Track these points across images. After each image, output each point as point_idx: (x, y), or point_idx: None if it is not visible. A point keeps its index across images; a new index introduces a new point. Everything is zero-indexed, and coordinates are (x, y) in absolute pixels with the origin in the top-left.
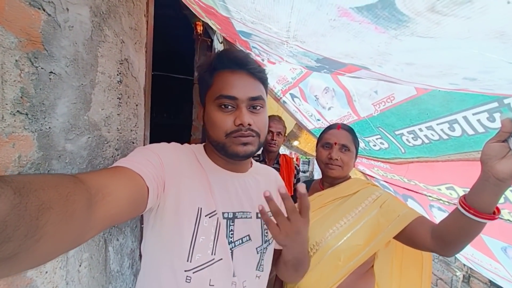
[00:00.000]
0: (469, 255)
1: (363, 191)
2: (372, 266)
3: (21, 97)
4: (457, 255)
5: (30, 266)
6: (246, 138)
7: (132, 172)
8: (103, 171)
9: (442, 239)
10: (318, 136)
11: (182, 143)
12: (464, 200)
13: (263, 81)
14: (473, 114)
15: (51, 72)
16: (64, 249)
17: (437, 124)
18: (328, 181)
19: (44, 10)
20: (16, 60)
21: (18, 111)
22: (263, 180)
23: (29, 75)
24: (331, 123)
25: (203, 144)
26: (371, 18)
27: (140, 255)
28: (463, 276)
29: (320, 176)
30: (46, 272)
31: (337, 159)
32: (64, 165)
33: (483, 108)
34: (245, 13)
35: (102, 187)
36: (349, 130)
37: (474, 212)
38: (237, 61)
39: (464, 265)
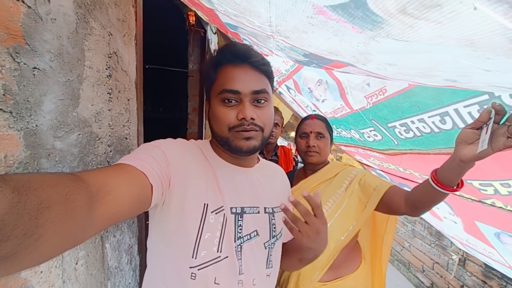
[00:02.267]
0: (464, 240)
1: (342, 172)
2: (357, 240)
3: (4, 95)
4: (452, 240)
5: (29, 265)
6: (248, 132)
7: (135, 170)
8: (105, 169)
9: (413, 204)
10: None
11: (179, 138)
12: (435, 174)
13: (268, 74)
14: (464, 107)
15: (34, 68)
16: (64, 248)
17: (429, 117)
18: (310, 168)
19: (23, 2)
20: None
21: (1, 109)
22: (270, 176)
23: (10, 71)
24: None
25: (209, 139)
26: (347, 17)
27: (139, 251)
28: (459, 259)
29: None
30: (41, 272)
31: (314, 146)
32: (54, 163)
33: (474, 101)
34: (227, 6)
35: (103, 186)
36: (322, 119)
37: (440, 185)
38: (240, 55)
39: (460, 249)
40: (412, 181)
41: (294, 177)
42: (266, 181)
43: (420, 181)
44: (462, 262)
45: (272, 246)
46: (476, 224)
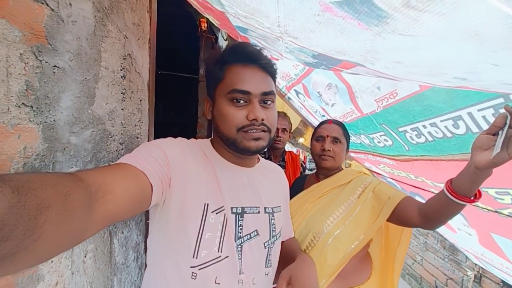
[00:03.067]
0: (479, 254)
1: (356, 180)
2: (368, 251)
3: (26, 90)
4: (467, 254)
5: (29, 265)
6: (258, 133)
7: (135, 169)
8: (104, 168)
9: (427, 216)
10: None
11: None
12: (450, 184)
13: (274, 76)
14: (478, 110)
15: (55, 66)
16: (63, 248)
17: (441, 121)
18: (323, 172)
19: (47, 4)
20: (20, 54)
21: (23, 103)
22: (270, 176)
23: (33, 68)
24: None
25: (210, 138)
26: (352, 13)
27: (145, 249)
28: (475, 276)
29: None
30: (52, 261)
31: (329, 150)
32: (68, 157)
33: (488, 104)
34: (237, 7)
35: (102, 185)
36: (340, 124)
37: (456, 195)
38: (250, 55)
39: (476, 264)
40: (424, 190)
41: (306, 181)
42: (266, 181)
43: (433, 190)
44: (478, 278)
45: (272, 246)
46: (492, 236)
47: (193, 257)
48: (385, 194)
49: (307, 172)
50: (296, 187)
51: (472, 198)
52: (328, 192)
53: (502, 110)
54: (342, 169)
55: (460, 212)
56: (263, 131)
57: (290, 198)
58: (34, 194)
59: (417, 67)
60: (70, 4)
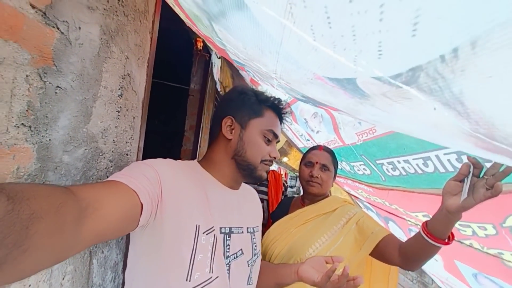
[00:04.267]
0: (443, 278)
1: (341, 209)
2: None
3: (27, 110)
4: (433, 278)
5: (14, 279)
6: (269, 167)
7: (126, 188)
8: (96, 184)
9: (407, 256)
10: None
11: (172, 153)
12: (425, 226)
13: None
14: (444, 154)
15: (57, 87)
16: (49, 263)
17: (413, 159)
18: (309, 198)
19: (58, 28)
20: (26, 76)
21: (22, 123)
22: (249, 198)
23: (36, 89)
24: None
25: (196, 160)
26: (340, 86)
27: (124, 268)
28: None
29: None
30: (30, 286)
31: (317, 177)
32: (59, 176)
33: (452, 150)
34: (239, 52)
35: (93, 201)
36: (330, 152)
37: (431, 237)
38: (282, 112)
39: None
40: (397, 216)
41: (291, 204)
42: (246, 202)
43: (405, 217)
44: None
45: (253, 264)
46: (456, 263)
47: (187, 280)
48: (368, 228)
49: (288, 190)
50: (281, 209)
51: (446, 240)
52: (312, 219)
53: (465, 158)
54: (328, 195)
55: (436, 253)
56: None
57: (275, 220)
58: (27, 203)
59: (391, 123)
60: (79, 28)
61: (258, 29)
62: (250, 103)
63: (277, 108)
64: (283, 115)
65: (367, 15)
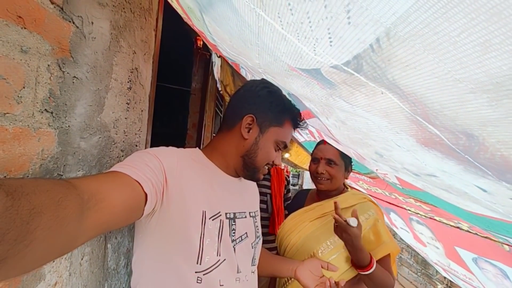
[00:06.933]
0: (446, 266)
1: (360, 206)
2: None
3: (49, 97)
4: (436, 267)
5: (18, 272)
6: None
7: (129, 178)
8: (98, 176)
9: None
10: (308, 149)
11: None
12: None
13: None
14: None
15: (74, 77)
16: (53, 256)
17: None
18: (322, 192)
19: (73, 23)
20: (48, 65)
21: (45, 109)
22: (249, 185)
23: (57, 78)
24: (319, 139)
25: (198, 148)
26: (312, 77)
27: None
28: None
29: (309, 187)
30: (53, 261)
31: (323, 173)
32: (77, 161)
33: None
34: (226, 47)
35: (95, 193)
36: None
37: (356, 268)
38: (299, 126)
39: (445, 278)
40: (397, 206)
41: (307, 196)
42: (247, 189)
43: (405, 206)
44: None
45: (256, 246)
46: (456, 249)
47: (197, 263)
48: (382, 236)
49: (290, 187)
50: (297, 201)
51: (366, 266)
52: (328, 213)
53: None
54: (345, 188)
55: (374, 279)
56: None
57: (290, 212)
58: (27, 199)
59: (354, 131)
60: (92, 23)
61: (239, 19)
62: (276, 110)
63: (296, 121)
64: (297, 127)
65: (315, 1)
